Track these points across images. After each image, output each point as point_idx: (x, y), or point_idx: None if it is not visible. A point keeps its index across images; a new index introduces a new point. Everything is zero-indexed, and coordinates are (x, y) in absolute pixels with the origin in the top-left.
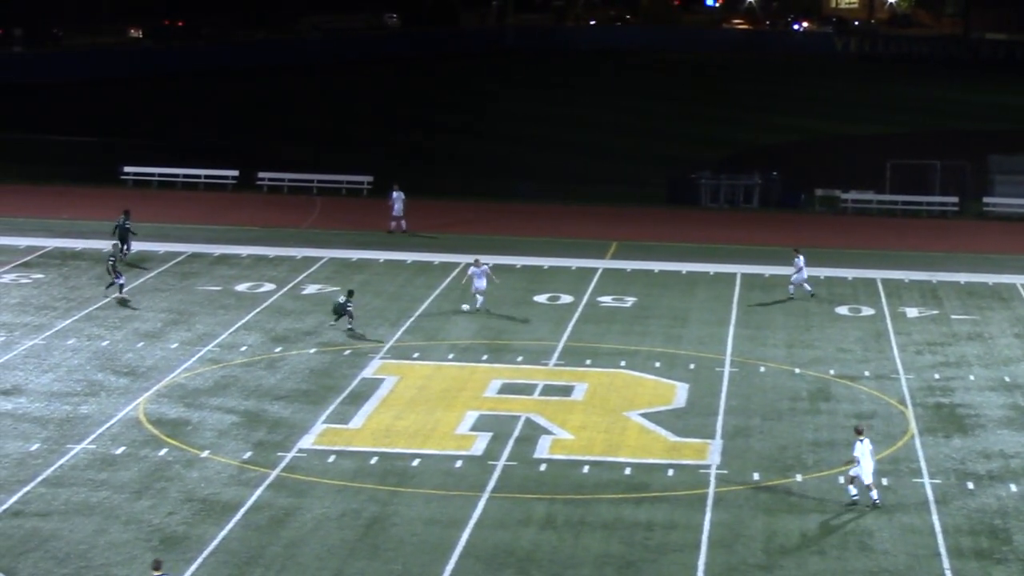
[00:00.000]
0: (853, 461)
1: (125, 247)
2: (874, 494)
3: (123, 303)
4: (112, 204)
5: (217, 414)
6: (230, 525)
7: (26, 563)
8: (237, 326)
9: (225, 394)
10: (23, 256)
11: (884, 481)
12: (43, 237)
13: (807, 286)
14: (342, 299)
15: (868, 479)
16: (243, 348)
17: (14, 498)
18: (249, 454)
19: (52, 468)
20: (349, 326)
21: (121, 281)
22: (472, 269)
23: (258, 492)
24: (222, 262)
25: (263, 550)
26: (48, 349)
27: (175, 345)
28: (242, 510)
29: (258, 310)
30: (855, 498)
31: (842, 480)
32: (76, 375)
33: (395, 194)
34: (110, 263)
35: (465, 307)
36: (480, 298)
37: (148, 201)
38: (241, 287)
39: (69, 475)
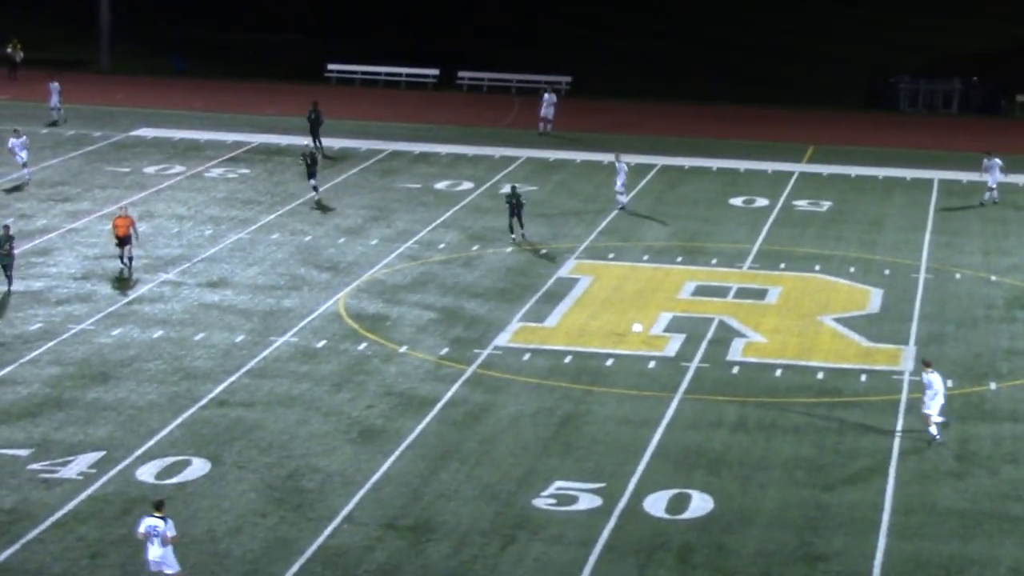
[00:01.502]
0: (926, 392)
1: (317, 142)
2: (933, 429)
3: (320, 206)
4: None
5: (415, 310)
6: (427, 420)
7: (231, 451)
8: (436, 224)
9: (423, 291)
10: (230, 151)
11: None
12: (249, 133)
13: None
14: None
15: (934, 411)
16: (441, 245)
17: (220, 388)
18: (446, 350)
19: (256, 359)
20: (518, 232)
21: (313, 183)
22: (618, 165)
23: (454, 388)
24: (422, 160)
25: (458, 445)
26: (253, 243)
27: (375, 241)
28: (438, 405)
29: (456, 208)
30: (937, 438)
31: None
32: (280, 269)
33: (547, 96)
34: (305, 162)
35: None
36: (621, 197)
37: (351, 99)
38: (440, 185)
39: (272, 367)
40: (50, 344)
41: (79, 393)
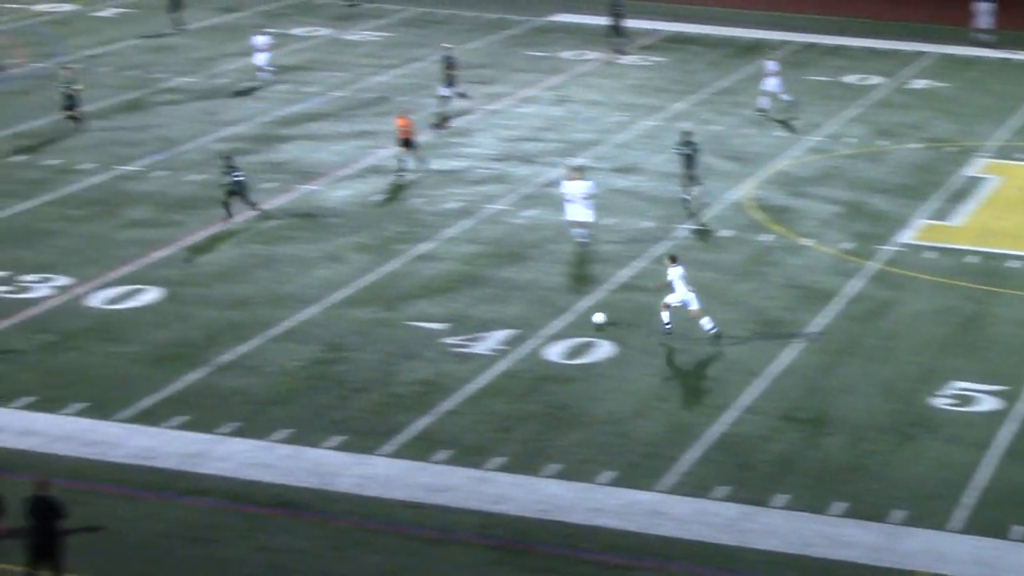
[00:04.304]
0: (668, 286)
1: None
2: (704, 323)
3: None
4: None
5: (820, 203)
6: (828, 313)
7: (636, 335)
8: (843, 117)
9: (829, 184)
10: (644, 39)
11: None
12: (663, 21)
13: None
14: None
15: (694, 305)
16: (848, 139)
17: (626, 272)
18: (849, 244)
19: (663, 245)
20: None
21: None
22: (769, 65)
23: (856, 283)
24: (833, 53)
25: (859, 340)
26: (663, 131)
27: (782, 133)
28: (840, 299)
29: (865, 102)
30: (668, 327)
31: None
32: None
33: (983, 4)
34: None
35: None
36: (763, 100)
37: None
38: (849, 79)
39: (680, 253)
40: (467, 223)
41: (493, 271)
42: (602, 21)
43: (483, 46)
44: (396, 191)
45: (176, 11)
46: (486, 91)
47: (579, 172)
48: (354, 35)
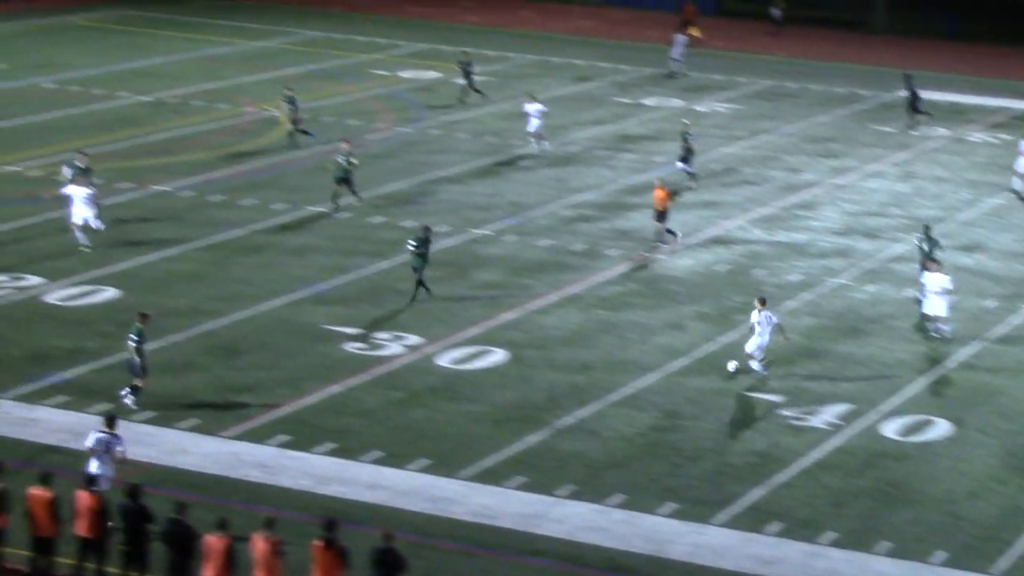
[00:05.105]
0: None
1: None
2: (753, 364)
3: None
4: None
5: None
6: None
7: (973, 415)
8: None
9: None
10: (993, 116)
11: None
12: (1013, 99)
13: None
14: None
15: (749, 348)
16: None
17: (967, 351)
18: None
19: (1004, 326)
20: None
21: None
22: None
23: None
24: None
25: None
26: (1010, 209)
27: None
28: None
29: None
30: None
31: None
32: None
33: None
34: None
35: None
36: (1017, 182)
37: None
38: None
39: (1021, 334)
40: (808, 295)
41: (831, 345)
42: (949, 98)
43: (831, 120)
44: (739, 262)
45: (469, 83)
46: (832, 164)
47: (939, 264)
48: (704, 106)
